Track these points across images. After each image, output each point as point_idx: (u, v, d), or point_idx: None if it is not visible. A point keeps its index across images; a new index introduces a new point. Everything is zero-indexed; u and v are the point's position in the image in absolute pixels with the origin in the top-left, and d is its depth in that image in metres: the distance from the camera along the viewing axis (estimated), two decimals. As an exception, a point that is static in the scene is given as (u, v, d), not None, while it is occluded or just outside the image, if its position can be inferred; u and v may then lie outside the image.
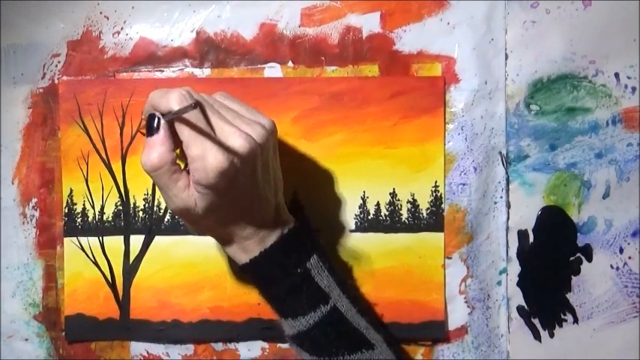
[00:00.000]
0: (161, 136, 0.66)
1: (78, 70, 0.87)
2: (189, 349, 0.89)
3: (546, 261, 0.90)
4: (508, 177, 0.88)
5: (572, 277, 0.90)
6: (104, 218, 0.87)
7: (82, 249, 0.87)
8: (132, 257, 0.87)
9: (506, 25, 0.87)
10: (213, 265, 0.87)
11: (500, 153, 0.88)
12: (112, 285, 0.87)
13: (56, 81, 0.86)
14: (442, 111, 0.86)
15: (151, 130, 0.67)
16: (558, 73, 0.88)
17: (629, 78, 0.88)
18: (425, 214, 0.87)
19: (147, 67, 0.87)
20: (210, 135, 0.65)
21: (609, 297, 0.91)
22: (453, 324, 0.89)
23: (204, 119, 0.66)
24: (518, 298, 0.90)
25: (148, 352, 0.89)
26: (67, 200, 0.87)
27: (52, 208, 0.88)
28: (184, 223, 0.73)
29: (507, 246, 0.89)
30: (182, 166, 0.68)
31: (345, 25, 0.86)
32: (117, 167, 0.87)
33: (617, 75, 0.88)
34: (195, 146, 0.65)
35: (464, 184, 0.88)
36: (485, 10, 0.86)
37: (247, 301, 0.87)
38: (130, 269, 0.87)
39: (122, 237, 0.87)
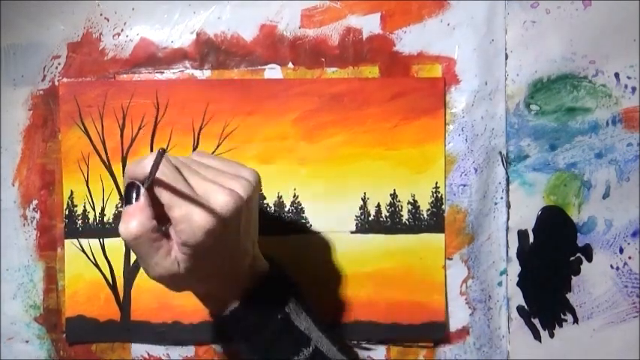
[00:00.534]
0: (140, 204, 0.63)
1: (78, 72, 0.87)
2: (190, 350, 0.89)
3: (546, 261, 0.90)
4: (508, 177, 0.88)
5: (572, 277, 0.90)
6: (105, 220, 0.87)
7: (83, 251, 0.87)
8: (132, 259, 0.87)
9: (506, 25, 0.87)
10: (214, 266, 0.87)
11: (500, 153, 0.88)
12: (113, 286, 0.87)
13: (56, 83, 0.86)
14: (442, 112, 0.86)
15: (129, 199, 0.64)
16: (558, 73, 0.88)
17: (629, 78, 0.88)
18: (425, 215, 0.87)
19: (147, 69, 0.87)
20: (192, 195, 0.63)
21: (609, 297, 0.91)
22: (454, 325, 0.89)
23: (184, 179, 0.64)
24: (519, 298, 0.90)
25: (148, 354, 0.89)
26: (68, 202, 0.87)
27: (53, 210, 0.88)
28: (163, 285, 0.69)
29: (507, 246, 0.89)
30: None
31: (346, 26, 0.86)
32: (117, 169, 0.87)
33: (617, 75, 0.88)
34: (178, 207, 0.62)
35: (464, 185, 0.88)
36: (485, 11, 0.86)
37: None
38: (131, 271, 0.87)
39: (123, 239, 0.87)
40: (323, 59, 0.87)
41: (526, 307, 0.90)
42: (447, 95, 0.87)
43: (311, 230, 0.88)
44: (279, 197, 0.87)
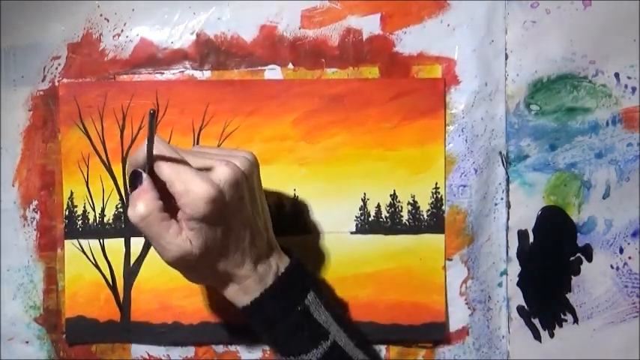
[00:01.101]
0: (144, 187, 0.66)
1: (78, 73, 0.86)
2: (190, 351, 0.89)
3: (546, 261, 0.90)
4: (508, 177, 0.88)
5: (572, 277, 0.90)
6: (105, 220, 0.87)
7: (83, 251, 0.87)
8: (132, 259, 0.87)
9: (506, 25, 0.87)
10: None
11: (500, 153, 0.88)
12: (113, 287, 0.87)
13: (56, 83, 0.86)
14: (442, 113, 0.86)
15: (134, 185, 0.67)
16: (558, 73, 0.88)
17: (629, 78, 0.88)
18: (425, 216, 0.87)
19: (147, 70, 0.87)
20: (190, 167, 0.65)
21: (609, 297, 0.91)
22: (453, 325, 0.89)
23: (182, 158, 0.66)
24: (518, 298, 0.90)
25: (148, 354, 0.89)
26: (68, 202, 0.87)
27: (53, 211, 0.88)
28: (181, 273, 0.71)
29: (507, 246, 0.89)
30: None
31: (346, 26, 0.86)
32: (117, 169, 0.87)
33: (617, 75, 0.88)
34: (179, 181, 0.65)
35: (464, 186, 0.88)
36: (485, 12, 0.86)
37: (248, 303, 0.87)
38: (131, 271, 0.87)
39: (123, 239, 0.87)
40: (323, 60, 0.87)
41: (526, 307, 0.90)
42: (447, 96, 0.87)
43: (311, 231, 0.88)
44: (279, 197, 0.87)
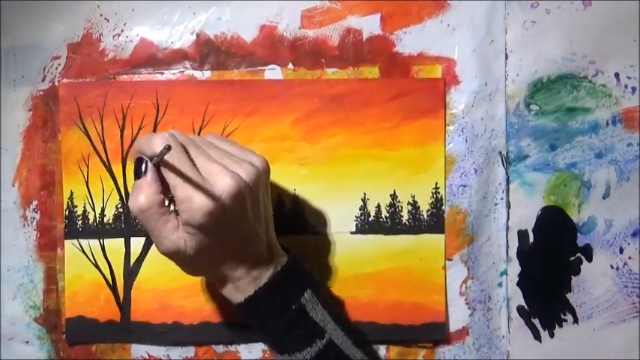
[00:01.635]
0: (148, 179, 0.67)
1: (78, 73, 0.87)
2: (190, 351, 0.89)
3: (546, 261, 0.90)
4: (508, 177, 0.88)
5: (572, 277, 0.90)
6: (105, 220, 0.87)
7: (83, 251, 0.87)
8: (132, 259, 0.87)
9: (506, 25, 0.87)
10: (214, 267, 0.87)
11: (500, 153, 0.88)
12: (113, 287, 0.87)
13: (56, 83, 0.86)
14: (442, 113, 0.86)
15: (138, 173, 0.68)
16: (558, 73, 0.88)
17: (629, 78, 0.88)
18: (425, 216, 0.87)
19: (147, 70, 0.87)
20: (195, 177, 0.66)
21: (609, 297, 0.91)
22: (453, 325, 0.89)
23: (190, 160, 0.67)
24: (518, 298, 0.90)
25: (148, 354, 0.89)
26: (68, 202, 0.87)
27: (53, 211, 0.88)
28: (176, 264, 0.72)
29: (507, 246, 0.89)
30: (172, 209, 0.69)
31: (346, 27, 0.86)
32: (117, 169, 0.87)
33: (617, 75, 0.88)
34: (182, 188, 0.65)
35: (464, 186, 0.88)
36: (485, 12, 0.86)
37: (248, 303, 0.87)
38: (131, 271, 0.87)
39: (123, 239, 0.87)
40: (323, 60, 0.87)
41: (526, 307, 0.90)
42: (447, 96, 0.87)
43: (311, 231, 0.88)
44: (279, 197, 0.87)
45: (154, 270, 0.87)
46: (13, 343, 0.89)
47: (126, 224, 0.87)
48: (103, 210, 0.87)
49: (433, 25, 0.86)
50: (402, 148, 0.86)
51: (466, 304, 0.89)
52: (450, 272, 0.88)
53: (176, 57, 0.87)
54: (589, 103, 0.88)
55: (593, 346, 0.91)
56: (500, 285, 0.89)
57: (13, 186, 0.87)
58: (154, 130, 0.86)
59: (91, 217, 0.87)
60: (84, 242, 0.87)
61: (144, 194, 0.66)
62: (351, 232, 0.88)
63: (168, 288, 0.87)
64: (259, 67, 0.87)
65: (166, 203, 0.68)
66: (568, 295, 0.90)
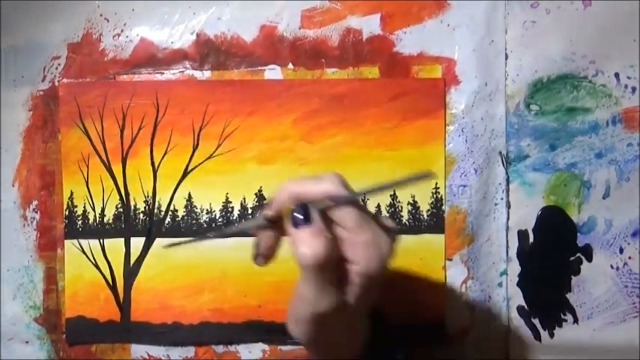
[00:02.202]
0: (318, 226, 0.57)
1: (78, 73, 0.87)
2: (189, 351, 0.89)
3: (546, 261, 0.90)
4: (508, 177, 0.88)
5: (572, 277, 0.90)
6: (105, 220, 0.87)
7: (83, 251, 0.87)
8: (132, 259, 0.87)
9: (506, 25, 0.87)
10: (214, 267, 0.87)
11: (500, 153, 0.88)
12: (113, 287, 0.87)
13: (56, 83, 0.87)
14: (442, 113, 0.86)
15: (297, 221, 0.57)
16: (558, 73, 0.88)
17: (629, 78, 0.88)
18: (425, 216, 0.87)
19: (147, 69, 0.87)
20: (376, 219, 0.59)
21: (609, 297, 0.91)
22: (453, 326, 0.89)
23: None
24: (518, 298, 0.90)
25: (148, 354, 0.89)
26: (68, 202, 0.87)
27: (53, 211, 0.88)
28: (295, 334, 0.62)
29: (507, 246, 0.89)
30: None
31: (346, 27, 0.86)
32: (117, 169, 0.87)
33: (617, 75, 0.88)
34: (370, 230, 0.57)
35: (464, 186, 0.88)
36: (485, 12, 0.86)
37: (248, 304, 0.87)
38: (131, 271, 0.87)
39: (123, 239, 0.87)
40: (323, 60, 0.87)
41: (526, 307, 0.90)
42: (447, 96, 0.87)
43: (311, 231, 0.87)
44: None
45: (153, 270, 0.87)
46: (13, 343, 0.89)
47: (126, 224, 0.87)
48: (103, 210, 0.87)
49: (433, 25, 0.86)
50: (402, 148, 0.86)
51: (466, 304, 0.89)
52: (450, 272, 0.88)
53: (176, 57, 0.87)
54: (589, 103, 0.88)
55: (593, 346, 0.91)
56: (500, 285, 0.89)
57: (13, 186, 0.88)
58: (154, 131, 0.86)
59: (91, 217, 0.87)
60: (84, 242, 0.87)
61: (321, 244, 0.56)
62: (351, 232, 0.87)
63: (168, 288, 0.87)
64: (259, 67, 0.87)
65: None
66: (568, 295, 0.90)
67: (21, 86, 0.87)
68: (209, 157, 0.86)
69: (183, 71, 0.87)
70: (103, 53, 0.87)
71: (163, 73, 0.87)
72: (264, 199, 0.85)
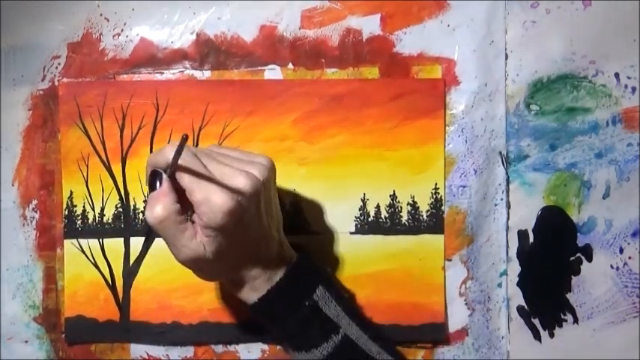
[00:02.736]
0: (164, 189, 0.66)
1: (78, 72, 0.86)
2: (189, 350, 0.89)
3: (546, 261, 0.90)
4: (508, 177, 0.88)
5: (572, 277, 0.90)
6: (104, 220, 0.87)
7: (82, 251, 0.87)
8: (132, 259, 0.87)
9: (506, 25, 0.87)
10: (214, 267, 0.87)
11: (500, 153, 0.88)
12: (112, 287, 0.87)
13: (56, 83, 0.86)
14: (442, 113, 0.86)
15: (153, 186, 0.67)
16: (558, 73, 0.88)
17: (629, 78, 0.89)
18: (425, 216, 0.87)
19: (147, 69, 0.87)
20: (211, 177, 0.66)
21: (609, 297, 0.91)
22: (453, 326, 0.89)
23: (203, 166, 0.67)
24: (518, 298, 0.90)
25: (148, 354, 0.89)
26: (67, 202, 0.87)
27: (52, 210, 0.88)
28: (193, 271, 0.73)
29: (507, 246, 0.89)
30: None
31: (346, 27, 0.86)
32: (117, 169, 0.87)
33: (617, 75, 0.88)
34: (199, 190, 0.65)
35: (464, 186, 0.88)
36: (485, 12, 0.86)
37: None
38: (130, 271, 0.87)
39: (122, 239, 0.87)
40: (323, 60, 0.87)
41: (526, 307, 0.90)
42: (446, 96, 0.87)
43: (310, 231, 0.88)
44: (279, 197, 0.86)
45: (153, 270, 0.87)
46: (13, 342, 0.89)
47: (125, 224, 0.87)
48: (102, 210, 0.87)
49: (433, 26, 0.86)
50: (401, 148, 0.86)
51: (465, 304, 0.89)
52: (450, 273, 0.88)
53: (176, 57, 0.87)
54: (589, 103, 0.88)
55: (593, 346, 0.91)
56: (499, 285, 0.89)
57: (13, 185, 0.87)
58: (154, 130, 0.86)
59: (90, 216, 0.87)
60: (83, 242, 0.87)
61: (160, 204, 0.66)
62: (351, 233, 0.88)
63: (167, 288, 0.87)
64: (259, 67, 0.87)
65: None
66: (568, 295, 0.90)
67: (21, 86, 0.86)
68: (209, 157, 0.86)
69: (183, 71, 0.87)
70: (103, 53, 0.86)
71: (163, 73, 0.87)
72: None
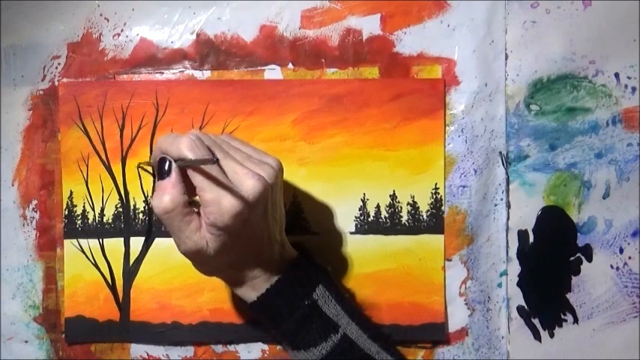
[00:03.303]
0: (173, 180, 0.66)
1: (78, 72, 0.87)
2: (189, 350, 0.89)
3: (546, 261, 0.90)
4: (508, 177, 0.88)
5: (572, 277, 0.90)
6: (104, 220, 0.87)
7: (82, 251, 0.87)
8: (132, 259, 0.87)
9: (506, 25, 0.87)
10: (214, 267, 0.87)
11: (501, 153, 0.88)
12: (112, 287, 0.87)
13: (56, 83, 0.86)
14: (442, 113, 0.86)
15: (162, 173, 0.67)
16: (558, 73, 0.88)
17: (629, 78, 0.88)
18: (425, 216, 0.87)
19: (147, 69, 0.87)
20: (224, 180, 0.65)
21: (609, 297, 0.91)
22: (453, 326, 0.89)
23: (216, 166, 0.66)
24: (518, 298, 0.90)
25: (147, 354, 0.89)
26: (67, 202, 0.87)
27: (52, 210, 0.88)
28: (193, 264, 0.73)
29: (507, 246, 0.89)
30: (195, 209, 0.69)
31: (345, 27, 0.86)
32: (117, 169, 0.87)
33: (617, 75, 0.88)
34: (210, 191, 0.65)
35: (464, 187, 0.88)
36: (485, 12, 0.86)
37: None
38: (130, 271, 0.87)
39: (122, 239, 0.87)
40: (323, 60, 0.87)
41: (526, 307, 0.90)
42: (446, 96, 0.87)
43: (310, 231, 0.88)
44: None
45: (153, 270, 0.87)
46: (13, 342, 0.89)
47: (125, 224, 0.87)
48: (102, 210, 0.87)
49: (433, 26, 0.86)
50: (401, 148, 0.86)
51: (465, 304, 0.89)
52: (450, 273, 0.88)
53: (176, 57, 0.87)
54: (589, 103, 0.88)
55: (593, 346, 0.91)
56: (499, 285, 0.89)
57: (13, 185, 0.87)
58: (154, 131, 0.86)
59: (90, 216, 0.87)
60: (83, 242, 0.87)
61: (169, 195, 0.66)
62: (351, 233, 0.88)
63: (167, 288, 0.87)
64: (259, 67, 0.87)
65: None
66: (568, 295, 0.90)
67: (21, 86, 0.87)
68: (209, 157, 0.86)
69: (183, 71, 0.87)
70: (103, 53, 0.87)
71: (163, 73, 0.87)
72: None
